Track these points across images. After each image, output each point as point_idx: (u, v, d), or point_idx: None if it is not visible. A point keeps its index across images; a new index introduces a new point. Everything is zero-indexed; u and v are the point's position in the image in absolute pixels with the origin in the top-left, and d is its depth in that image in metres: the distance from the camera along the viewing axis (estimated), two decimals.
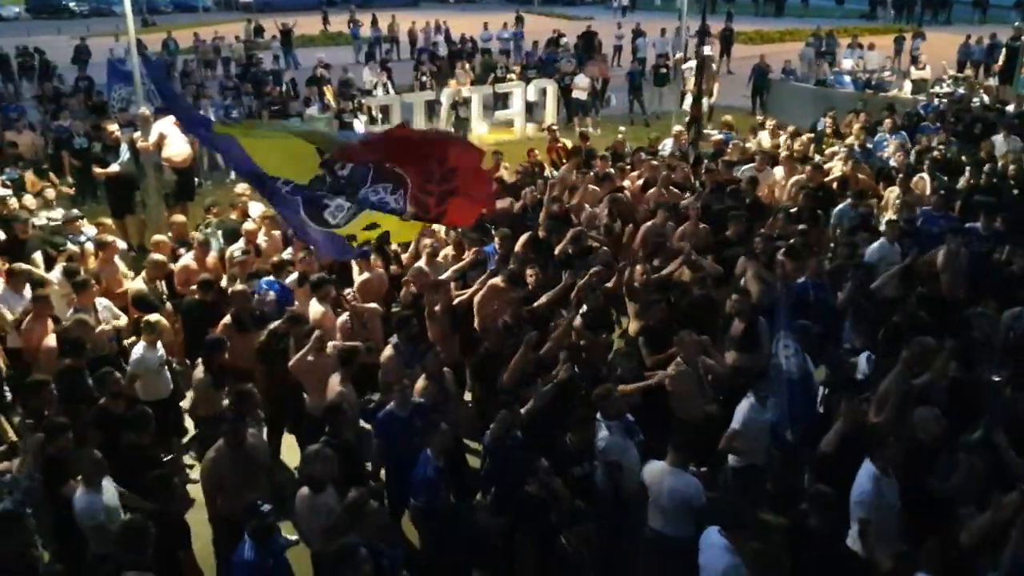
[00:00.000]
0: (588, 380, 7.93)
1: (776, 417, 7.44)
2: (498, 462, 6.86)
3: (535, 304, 9.16)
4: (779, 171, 13.51)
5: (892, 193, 12.57)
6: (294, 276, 10.01)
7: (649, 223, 11.13)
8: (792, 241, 10.17)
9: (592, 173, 13.55)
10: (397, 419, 7.29)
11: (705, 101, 20.19)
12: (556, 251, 10.56)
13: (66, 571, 6.66)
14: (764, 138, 16.39)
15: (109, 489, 6.51)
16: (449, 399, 7.81)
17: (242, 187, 12.69)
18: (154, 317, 8.60)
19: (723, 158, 14.38)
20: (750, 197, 12.30)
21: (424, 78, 24.82)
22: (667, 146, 16.03)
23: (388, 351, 8.37)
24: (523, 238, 10.70)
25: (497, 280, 9.37)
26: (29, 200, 12.53)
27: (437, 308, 9.10)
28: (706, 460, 7.62)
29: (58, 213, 12.28)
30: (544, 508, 5.98)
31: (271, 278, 9.84)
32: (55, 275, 10.04)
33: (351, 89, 21.98)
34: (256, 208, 12.15)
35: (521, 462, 6.42)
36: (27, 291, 9.52)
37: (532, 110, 23.06)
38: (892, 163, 14.25)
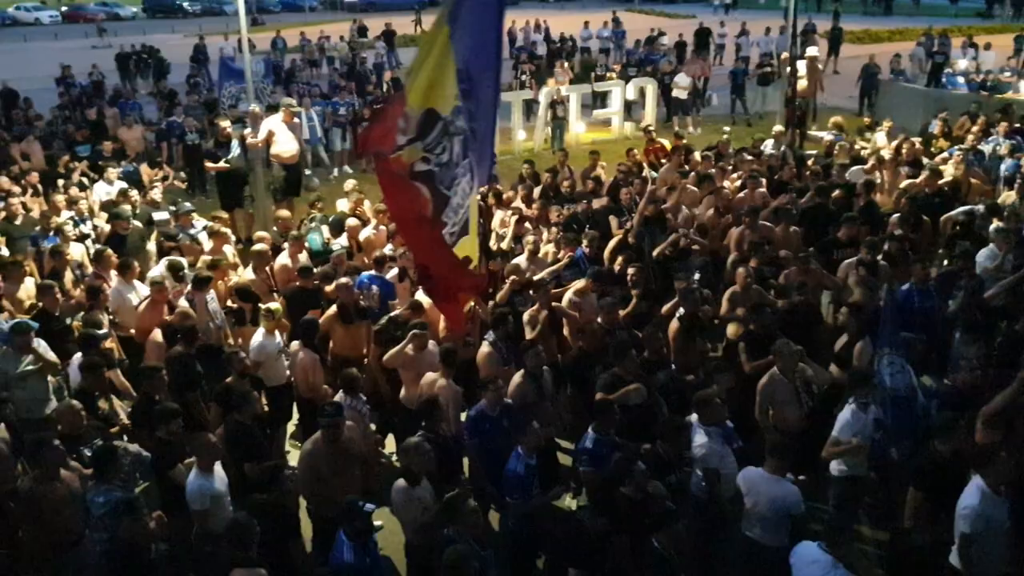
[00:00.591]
0: (682, 385, 7.85)
1: (880, 434, 7.20)
2: (595, 464, 6.84)
3: (630, 305, 9.13)
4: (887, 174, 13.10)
5: (1009, 198, 12.05)
6: (394, 271, 10.15)
7: (746, 225, 10.94)
8: (887, 247, 9.88)
9: (692, 173, 13.40)
10: (487, 418, 7.32)
11: (809, 102, 19.73)
12: (654, 252, 10.48)
13: (172, 552, 6.92)
14: (880, 139, 15.89)
15: (220, 474, 6.71)
16: (544, 398, 7.81)
17: (351, 183, 12.97)
18: (274, 305, 8.85)
19: (829, 159, 14.03)
20: (864, 199, 11.96)
21: (523, 77, 24.89)
22: (768, 146, 15.72)
23: (485, 348, 8.43)
24: (613, 241, 10.66)
25: (582, 282, 9.38)
26: (156, 193, 13.11)
27: (534, 307, 9.13)
28: (804, 469, 7.47)
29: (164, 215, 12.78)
30: (640, 510, 5.94)
31: (372, 273, 10.02)
32: (160, 268, 10.39)
33: None
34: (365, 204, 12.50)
35: (618, 464, 6.39)
36: (138, 283, 9.91)
37: (631, 109, 22.91)
38: (1003, 168, 13.67)
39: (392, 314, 8.90)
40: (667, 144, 16.25)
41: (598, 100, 23.44)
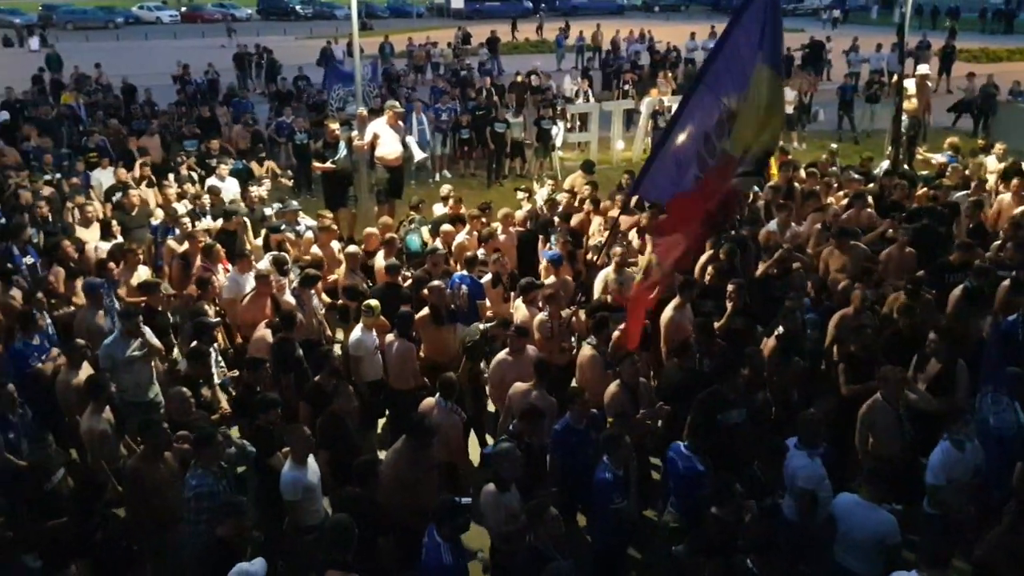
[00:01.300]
0: (779, 405, 7.70)
1: (980, 474, 6.90)
2: (683, 483, 6.78)
3: (722, 321, 9.02)
4: (1006, 198, 12.58)
5: None
6: (488, 277, 10.26)
7: (835, 246, 10.60)
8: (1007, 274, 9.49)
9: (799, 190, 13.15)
10: (574, 431, 7.25)
11: (920, 121, 19.12)
12: (759, 271, 10.35)
13: (265, 540, 7.13)
14: (991, 162, 15.30)
15: (313, 467, 6.86)
16: (639, 410, 7.77)
17: (447, 187, 13.16)
18: (373, 302, 9.02)
19: (940, 180, 13.58)
20: (974, 223, 11.55)
21: (625, 87, 24.83)
22: (883, 167, 15.26)
23: (588, 351, 8.43)
24: (704, 256, 10.55)
25: (676, 300, 9.27)
26: (263, 191, 13.55)
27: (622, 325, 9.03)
28: (901, 497, 7.24)
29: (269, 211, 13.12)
30: (734, 532, 5.87)
31: (464, 272, 10.13)
32: (265, 262, 10.69)
33: (551, 95, 22.32)
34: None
35: (709, 485, 6.33)
36: (250, 276, 10.24)
37: None
38: None
39: (483, 326, 9.00)
40: (772, 159, 15.96)
41: None
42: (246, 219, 12.17)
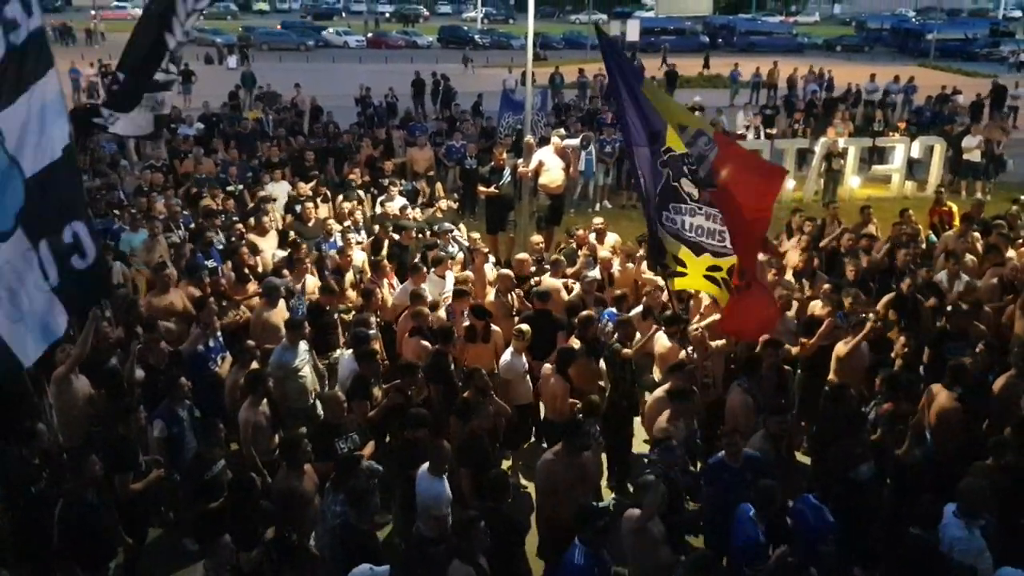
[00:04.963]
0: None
1: None
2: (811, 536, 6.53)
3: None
4: None
5: None
6: (638, 309, 10.21)
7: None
8: None
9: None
10: (727, 468, 7.15)
11: None
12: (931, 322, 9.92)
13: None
14: None
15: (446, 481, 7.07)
16: (781, 464, 7.52)
17: (599, 220, 13.24)
18: (524, 327, 9.20)
19: None
20: None
21: (797, 125, 24.21)
22: None
23: (739, 394, 8.29)
24: (885, 298, 10.14)
25: (843, 344, 8.99)
26: (416, 212, 14.02)
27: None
28: None
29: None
30: None
31: (613, 310, 10.21)
32: (429, 280, 10.95)
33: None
34: (612, 237, 12.72)
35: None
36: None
37: (913, 168, 21.58)
38: None
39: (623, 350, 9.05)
40: (955, 208, 15.16)
41: (875, 155, 22.33)
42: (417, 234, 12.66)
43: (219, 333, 9.63)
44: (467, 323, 9.61)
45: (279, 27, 65.40)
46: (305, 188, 14.91)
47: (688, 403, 7.88)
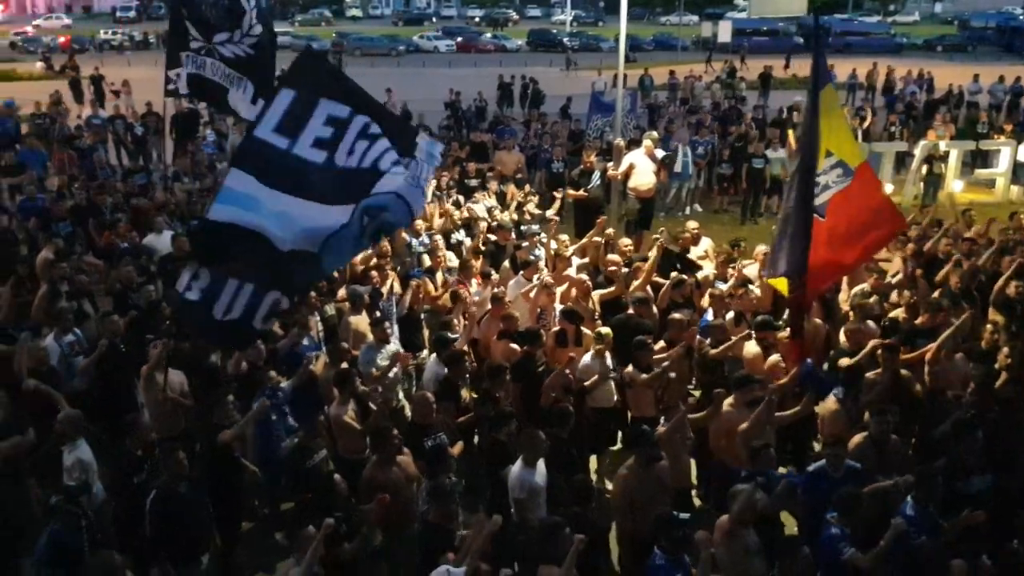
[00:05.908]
0: None
1: None
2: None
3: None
4: None
5: None
6: (731, 315, 10.07)
7: None
8: None
9: None
10: (826, 478, 7.01)
11: None
12: None
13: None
14: None
15: (541, 470, 7.09)
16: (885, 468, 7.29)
17: (693, 224, 13.07)
18: (604, 330, 9.16)
19: None
20: None
21: (892, 128, 23.52)
22: None
23: (833, 404, 8.13)
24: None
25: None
26: (504, 216, 14.07)
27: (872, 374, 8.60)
28: None
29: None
30: None
31: (709, 315, 10.07)
32: (515, 280, 11.06)
33: None
34: (705, 242, 12.53)
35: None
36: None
37: (1018, 172, 20.72)
38: None
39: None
40: None
41: (979, 159, 21.53)
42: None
43: (314, 332, 9.84)
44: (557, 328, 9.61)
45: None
46: None
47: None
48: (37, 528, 6.79)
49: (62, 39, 55.75)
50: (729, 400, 7.94)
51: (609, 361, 8.99)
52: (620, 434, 9.36)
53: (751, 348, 9.16)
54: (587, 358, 9.04)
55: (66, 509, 6.30)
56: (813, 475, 7.13)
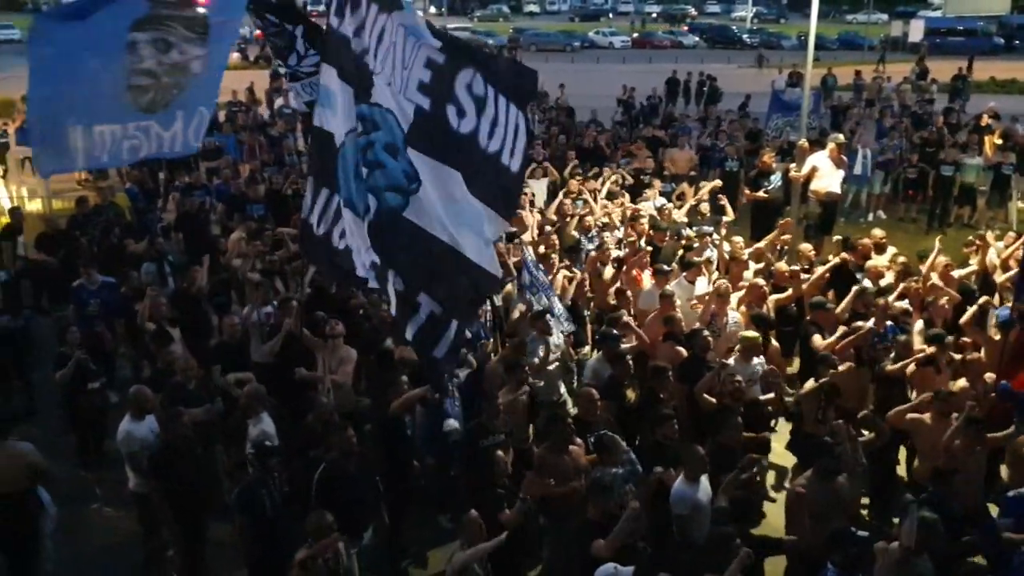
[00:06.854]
0: None
1: None
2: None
3: None
4: None
5: None
6: (919, 324, 9.65)
7: None
8: None
9: None
10: None
11: None
12: None
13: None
14: None
15: (704, 486, 6.93)
16: None
17: (879, 231, 12.48)
18: (751, 333, 9.09)
19: None
20: None
21: None
22: None
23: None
24: None
25: None
26: (678, 214, 13.81)
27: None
28: None
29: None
30: None
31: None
32: (676, 282, 10.85)
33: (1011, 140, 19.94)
34: (890, 251, 11.97)
35: None
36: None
37: None
38: None
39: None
40: None
41: None
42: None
43: (483, 318, 9.99)
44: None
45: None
46: (575, 185, 15.00)
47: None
48: (221, 490, 7.22)
49: (257, 31, 58.98)
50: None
51: (758, 365, 8.85)
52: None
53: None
54: (731, 360, 8.90)
55: (257, 466, 6.91)
56: (1015, 500, 6.75)
